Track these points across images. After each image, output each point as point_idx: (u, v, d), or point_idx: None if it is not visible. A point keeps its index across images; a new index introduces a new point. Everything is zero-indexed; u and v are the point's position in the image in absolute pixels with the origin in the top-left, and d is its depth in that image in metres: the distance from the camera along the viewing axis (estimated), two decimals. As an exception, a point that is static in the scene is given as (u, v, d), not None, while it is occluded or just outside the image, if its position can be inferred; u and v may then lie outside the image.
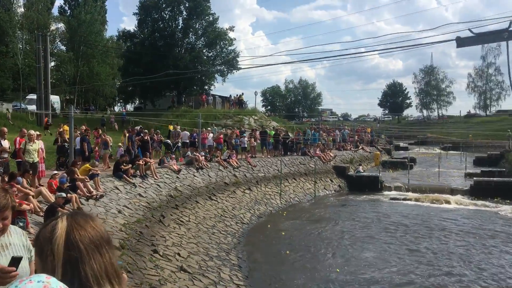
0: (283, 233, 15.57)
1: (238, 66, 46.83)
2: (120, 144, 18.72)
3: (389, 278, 11.27)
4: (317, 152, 27.93)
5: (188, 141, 22.35)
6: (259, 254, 13.34)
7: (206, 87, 49.25)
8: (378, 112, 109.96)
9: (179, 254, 10.90)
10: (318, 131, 31.58)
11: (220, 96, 48.23)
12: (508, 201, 21.93)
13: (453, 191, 24.30)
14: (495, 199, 22.30)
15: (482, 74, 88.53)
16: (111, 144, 18.61)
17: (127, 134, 19.05)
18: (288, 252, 13.57)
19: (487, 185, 23.52)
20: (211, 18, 47.82)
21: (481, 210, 20.56)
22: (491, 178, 24.85)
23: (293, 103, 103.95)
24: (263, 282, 11.03)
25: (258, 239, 14.97)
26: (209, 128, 24.08)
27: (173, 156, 18.98)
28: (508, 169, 27.87)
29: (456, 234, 15.78)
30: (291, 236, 15.43)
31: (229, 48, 48.95)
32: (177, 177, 16.87)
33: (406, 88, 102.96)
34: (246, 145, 23.83)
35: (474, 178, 25.34)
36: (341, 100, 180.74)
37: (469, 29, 4.36)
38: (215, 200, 16.99)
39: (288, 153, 27.00)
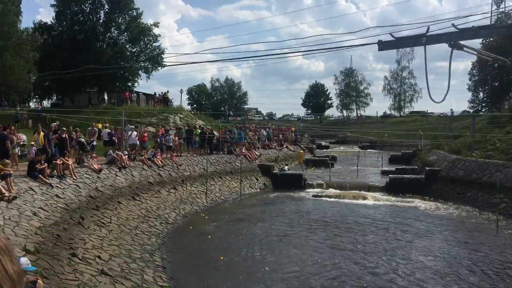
0: (209, 235, 15.39)
1: (163, 63, 45.95)
2: (32, 142, 17.57)
3: (316, 273, 11.58)
4: (243, 151, 28.09)
5: (108, 139, 21.40)
6: (185, 254, 13.16)
7: (130, 83, 47.70)
8: (301, 111, 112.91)
9: (99, 257, 10.45)
10: (244, 130, 31.75)
11: (144, 94, 46.90)
12: (418, 196, 23.51)
13: (370, 188, 25.52)
14: (408, 195, 23.76)
15: (397, 77, 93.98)
16: (22, 142, 17.42)
17: (41, 132, 17.86)
18: (214, 251, 13.50)
19: (401, 182, 24.99)
20: (134, 13, 46.42)
21: (396, 205, 21.77)
22: (404, 175, 26.34)
23: (219, 102, 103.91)
24: (189, 283, 10.88)
25: (184, 239, 14.76)
26: (132, 126, 23.29)
27: (95, 155, 18.17)
28: (419, 167, 29.69)
29: (373, 228, 16.56)
30: (217, 236, 15.36)
31: (154, 44, 47.88)
32: (98, 177, 16.16)
33: (327, 89, 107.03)
34: (171, 144, 23.39)
35: (390, 175, 26.72)
36: (266, 99, 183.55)
37: (390, 34, 4.56)
38: (138, 200, 16.50)
39: (214, 152, 26.89)
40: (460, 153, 25.44)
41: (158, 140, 22.81)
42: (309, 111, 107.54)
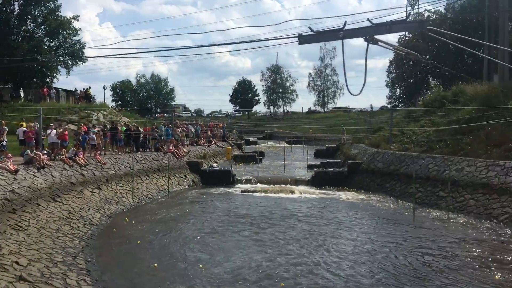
0: (138, 241, 14.94)
1: (84, 57, 44.07)
2: None
3: (247, 266, 11.69)
4: (171, 148, 27.66)
5: (23, 138, 20.01)
6: (110, 256, 12.73)
7: (48, 79, 45.27)
8: (229, 108, 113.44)
9: (17, 263, 9.82)
10: (171, 127, 31.25)
11: (64, 90, 44.62)
12: (342, 188, 24.45)
13: (297, 182, 26.14)
14: (332, 187, 24.62)
15: (321, 74, 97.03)
16: None
17: None
18: (142, 251, 13.20)
19: (325, 175, 25.84)
20: (52, 5, 44.09)
21: (321, 197, 22.43)
22: (328, 169, 27.29)
23: (146, 98, 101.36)
24: (116, 285, 10.56)
25: (109, 240, 14.27)
26: (51, 124, 22.03)
27: (10, 155, 16.98)
28: (342, 160, 30.87)
29: (300, 221, 16.98)
30: (145, 236, 15.00)
31: (74, 38, 45.84)
32: (14, 178, 15.14)
33: (254, 86, 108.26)
34: (94, 142, 22.46)
35: (315, 169, 27.51)
36: (194, 95, 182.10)
37: (309, 27, 4.69)
38: (59, 202, 15.67)
39: (141, 150, 26.23)
40: (379, 146, 26.63)
41: (80, 138, 21.79)
42: (237, 107, 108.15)
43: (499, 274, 10.95)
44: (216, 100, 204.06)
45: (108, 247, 13.58)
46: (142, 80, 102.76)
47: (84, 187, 17.98)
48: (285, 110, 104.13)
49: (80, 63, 46.07)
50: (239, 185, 25.96)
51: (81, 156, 19.91)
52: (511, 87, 21.93)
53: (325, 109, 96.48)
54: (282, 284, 10.41)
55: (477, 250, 13.05)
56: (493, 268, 11.41)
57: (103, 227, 15.78)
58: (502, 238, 14.27)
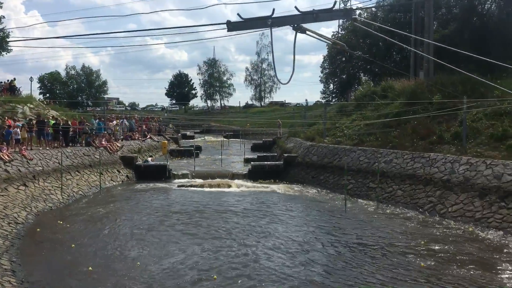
0: (68, 237, 14.42)
1: (8, 47, 41.36)
2: None
3: (184, 262, 11.60)
4: (103, 142, 26.80)
5: None
6: (38, 256, 12.15)
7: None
8: (165, 101, 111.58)
9: None
10: (103, 121, 30.26)
11: (-15, 81, 41.74)
12: (278, 181, 24.82)
13: (234, 176, 26.21)
14: (269, 181, 24.90)
15: (257, 68, 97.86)
16: None
17: None
18: (73, 245, 12.79)
19: (262, 169, 26.14)
20: (-29, -9, 40.98)
21: (257, 191, 22.65)
22: (265, 162, 27.61)
23: (76, 91, 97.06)
24: (44, 284, 10.11)
25: (36, 240, 13.61)
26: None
27: None
28: (279, 154, 31.25)
29: (237, 214, 17.10)
30: (76, 234, 14.45)
31: (-4, 26, 42.92)
32: None
33: (191, 79, 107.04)
34: (18, 136, 21.26)
35: (252, 163, 27.75)
36: (128, 89, 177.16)
37: (237, 14, 4.71)
38: (-19, 200, 14.76)
39: (71, 144, 25.19)
40: (314, 140, 27.21)
41: (4, 132, 20.56)
42: (174, 101, 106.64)
43: (425, 261, 11.55)
44: (151, 93, 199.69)
45: (36, 247, 12.96)
46: (72, 72, 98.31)
47: (8, 184, 17.01)
48: (223, 104, 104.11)
49: (3, 53, 43.31)
50: (175, 180, 25.69)
51: (5, 151, 18.80)
52: (435, 83, 23.11)
53: (262, 103, 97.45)
54: (215, 277, 10.46)
55: (404, 238, 13.68)
56: (419, 255, 12.02)
57: (30, 226, 15.03)
58: (427, 226, 15.06)
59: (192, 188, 23.39)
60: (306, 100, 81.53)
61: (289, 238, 13.82)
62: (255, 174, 25.79)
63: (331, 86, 62.03)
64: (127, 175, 25.78)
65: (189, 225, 15.60)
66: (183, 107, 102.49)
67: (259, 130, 54.32)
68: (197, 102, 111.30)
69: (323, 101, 59.95)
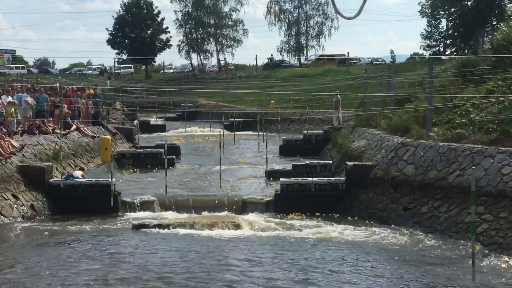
0: None
1: None
2: None
3: None
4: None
5: None
6: None
7: None
8: (107, 57, 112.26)
9: None
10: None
11: None
12: (334, 215, 25.06)
13: (246, 207, 26.30)
14: (314, 216, 24.93)
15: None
16: None
17: None
18: None
19: (302, 191, 26.32)
20: None
21: (293, 238, 22.09)
22: (308, 179, 27.62)
23: None
24: None
25: None
26: None
27: None
28: (336, 161, 31.49)
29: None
30: None
31: None
32: None
33: (159, 12, 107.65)
34: None
35: (282, 179, 27.35)
36: (33, 32, 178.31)
37: None
38: None
39: None
40: (408, 133, 26.87)
41: None
42: (124, 57, 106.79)
43: None
44: (80, 42, 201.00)
45: None
46: None
47: None
48: (223, 62, 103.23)
49: None
50: (128, 215, 25.70)
51: None
52: None
53: (302, 59, 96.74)
54: None
55: None
56: None
57: None
58: None
59: (162, 231, 23.07)
60: (392, 52, 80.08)
61: None
62: (288, 203, 25.61)
63: (443, 23, 61.47)
64: (31, 205, 25.64)
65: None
66: (143, 67, 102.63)
67: (295, 114, 54.57)
68: (172, 58, 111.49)
69: (427, 54, 59.50)
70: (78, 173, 29.13)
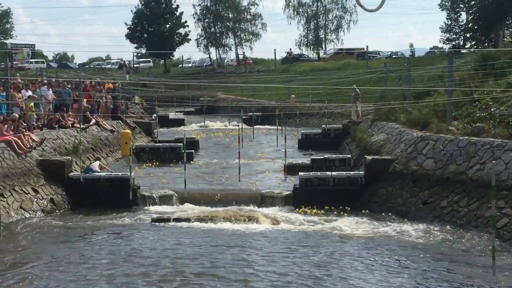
0: None
1: None
2: None
3: None
4: (5, 133, 26.78)
5: None
6: None
7: None
8: (126, 51, 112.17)
9: None
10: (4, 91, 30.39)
11: None
12: (353, 209, 25.04)
13: (264, 200, 26.48)
14: (333, 209, 25.06)
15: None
16: None
17: None
18: None
19: (321, 185, 26.44)
20: None
21: (312, 231, 22.25)
22: (327, 173, 27.64)
23: None
24: None
25: None
26: None
27: None
28: (355, 155, 31.69)
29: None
30: None
31: None
32: None
33: (178, 6, 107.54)
34: None
35: (300, 173, 27.31)
36: (53, 27, 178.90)
37: None
38: None
39: None
40: (428, 127, 26.90)
41: None
42: (143, 51, 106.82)
43: None
44: (99, 36, 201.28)
45: None
46: None
47: None
48: (241, 56, 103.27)
49: None
50: (146, 208, 25.90)
51: None
52: None
53: (321, 52, 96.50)
54: None
55: None
56: None
57: None
58: None
59: (181, 224, 23.27)
60: (412, 46, 79.54)
61: None
62: (307, 197, 25.78)
63: (463, 17, 61.03)
64: (51, 199, 25.79)
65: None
66: (161, 62, 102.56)
67: (314, 108, 54.83)
68: (190, 52, 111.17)
69: (447, 47, 59.20)
70: (96, 164, 29.33)
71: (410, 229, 22.18)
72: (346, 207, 25.24)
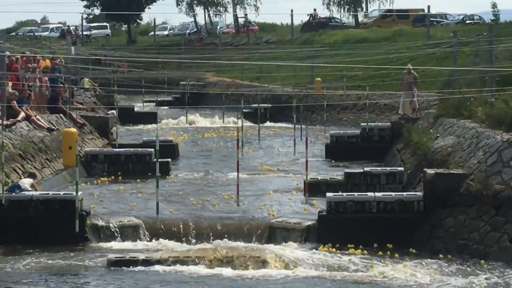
0: None
1: None
2: None
3: None
4: None
5: None
6: None
7: None
8: (72, 11, 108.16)
9: None
10: None
11: None
12: (404, 247, 21.26)
13: (274, 232, 22.77)
14: (376, 247, 21.26)
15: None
16: None
17: None
18: None
19: (360, 212, 23.04)
20: None
21: (344, 279, 18.84)
22: (368, 194, 24.21)
23: None
24: None
25: None
26: None
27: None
28: (410, 166, 29.43)
29: None
30: None
31: None
32: None
33: None
34: None
35: (328, 194, 24.13)
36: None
37: None
38: None
39: None
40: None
41: None
42: (95, 12, 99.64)
43: None
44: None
45: None
46: None
47: None
48: (242, 20, 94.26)
49: None
50: (101, 244, 22.39)
51: None
52: None
53: (360, 16, 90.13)
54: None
55: None
56: None
57: None
58: None
59: (152, 270, 19.56)
60: (495, 6, 76.51)
61: None
62: (338, 230, 22.25)
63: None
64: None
65: None
66: (124, 27, 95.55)
67: (349, 98, 51.11)
68: (167, 14, 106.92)
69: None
70: (26, 181, 25.04)
71: (491, 278, 18.56)
72: (396, 245, 21.10)
